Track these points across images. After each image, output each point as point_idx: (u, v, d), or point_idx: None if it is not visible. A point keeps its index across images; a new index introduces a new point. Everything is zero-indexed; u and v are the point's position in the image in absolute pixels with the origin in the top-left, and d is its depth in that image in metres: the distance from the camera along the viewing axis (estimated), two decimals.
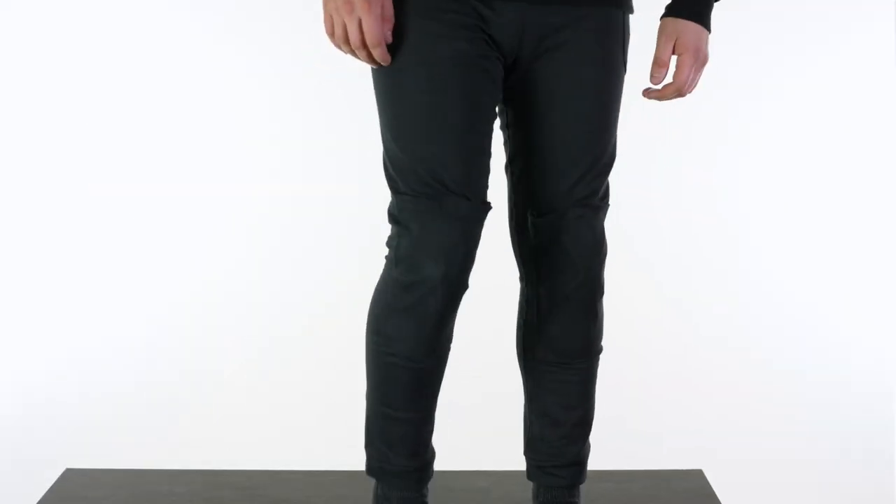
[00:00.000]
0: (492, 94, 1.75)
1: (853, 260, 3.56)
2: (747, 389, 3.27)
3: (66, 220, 3.51)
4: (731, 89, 3.56)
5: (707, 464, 2.47)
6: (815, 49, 3.61)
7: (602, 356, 1.98)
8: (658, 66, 1.80)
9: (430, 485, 1.93)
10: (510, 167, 1.87)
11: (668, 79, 1.82)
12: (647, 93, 1.82)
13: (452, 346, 1.85)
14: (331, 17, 1.68)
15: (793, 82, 3.60)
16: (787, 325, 3.45)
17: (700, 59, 1.80)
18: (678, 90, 1.80)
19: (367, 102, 1.83)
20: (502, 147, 1.89)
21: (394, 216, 1.78)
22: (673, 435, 3.06)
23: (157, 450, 2.90)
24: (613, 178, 1.89)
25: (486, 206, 1.77)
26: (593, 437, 2.01)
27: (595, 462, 2.06)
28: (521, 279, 1.94)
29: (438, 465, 1.96)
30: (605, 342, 1.97)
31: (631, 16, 1.86)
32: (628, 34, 1.84)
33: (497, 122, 1.84)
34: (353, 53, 1.70)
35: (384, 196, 1.81)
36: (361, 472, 1.94)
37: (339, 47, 1.71)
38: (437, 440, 1.92)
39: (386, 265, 1.81)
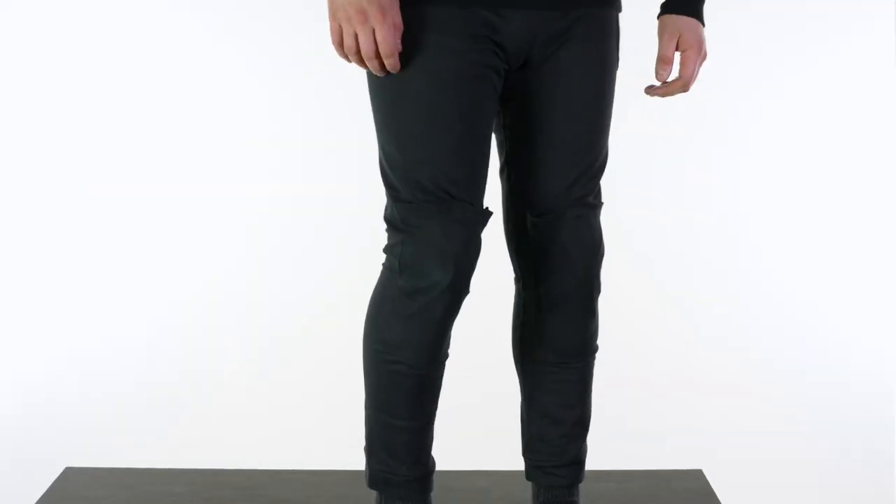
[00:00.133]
0: (493, 100, 1.75)
1: (853, 260, 3.56)
2: (747, 389, 3.27)
3: (66, 220, 3.51)
4: (731, 89, 3.56)
5: (707, 464, 2.47)
6: (815, 49, 3.61)
7: (602, 356, 1.98)
8: (665, 63, 1.83)
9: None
10: (506, 168, 1.87)
11: (671, 75, 1.84)
12: (652, 90, 1.84)
13: (453, 346, 1.85)
14: (340, 27, 1.65)
15: (793, 82, 3.60)
16: (787, 325, 3.45)
17: (702, 54, 1.83)
18: (684, 86, 1.83)
19: (367, 103, 1.83)
20: (496, 149, 1.89)
21: (395, 224, 1.77)
22: (673, 434, 3.06)
23: (157, 450, 2.90)
24: (614, 178, 1.90)
25: (488, 212, 1.78)
26: (593, 437, 2.01)
27: (595, 462, 2.06)
28: (518, 281, 1.94)
29: (439, 465, 1.96)
30: (606, 342, 1.97)
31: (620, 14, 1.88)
32: (619, 33, 1.87)
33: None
34: (361, 63, 1.68)
35: (384, 197, 1.81)
36: (362, 471, 1.93)
37: (347, 58, 1.68)
38: (437, 440, 1.92)
39: (385, 274, 1.80)
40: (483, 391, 2.99)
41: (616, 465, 2.43)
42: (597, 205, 1.88)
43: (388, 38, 1.64)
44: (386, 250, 1.81)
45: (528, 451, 1.99)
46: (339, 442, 2.30)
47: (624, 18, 1.91)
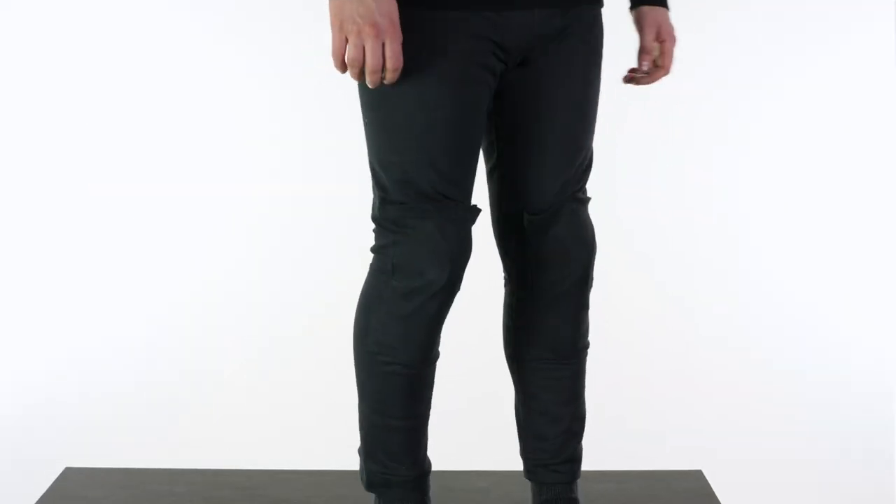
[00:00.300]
0: (487, 100, 1.76)
1: (853, 260, 3.56)
2: (747, 389, 3.27)
3: (66, 220, 3.51)
4: (731, 89, 3.56)
5: (707, 464, 2.47)
6: (815, 49, 3.61)
7: (602, 356, 1.99)
8: (648, 54, 1.88)
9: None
10: (498, 168, 1.86)
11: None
12: (637, 81, 1.89)
13: (452, 347, 1.85)
14: (345, 39, 1.61)
15: (793, 82, 3.60)
16: (787, 325, 3.45)
17: (675, 42, 1.90)
18: (667, 73, 1.90)
19: None
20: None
21: (385, 224, 1.76)
22: (673, 434, 3.06)
23: (157, 450, 2.90)
24: (614, 178, 1.90)
25: (477, 209, 1.78)
26: (594, 437, 2.01)
27: (595, 462, 2.06)
28: (510, 279, 1.93)
29: (438, 466, 1.96)
30: (606, 342, 1.98)
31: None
32: (603, 27, 1.90)
33: None
34: (360, 76, 1.63)
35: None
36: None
37: (343, 70, 1.63)
38: (436, 440, 1.93)
39: (376, 276, 1.79)
40: (482, 391, 2.99)
41: (616, 466, 2.43)
42: (586, 200, 1.90)
43: (398, 53, 1.61)
44: (375, 251, 1.80)
45: (527, 449, 1.99)
46: (339, 442, 2.30)
47: (624, 19, 1.91)
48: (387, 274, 1.77)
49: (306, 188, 3.51)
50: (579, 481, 1.99)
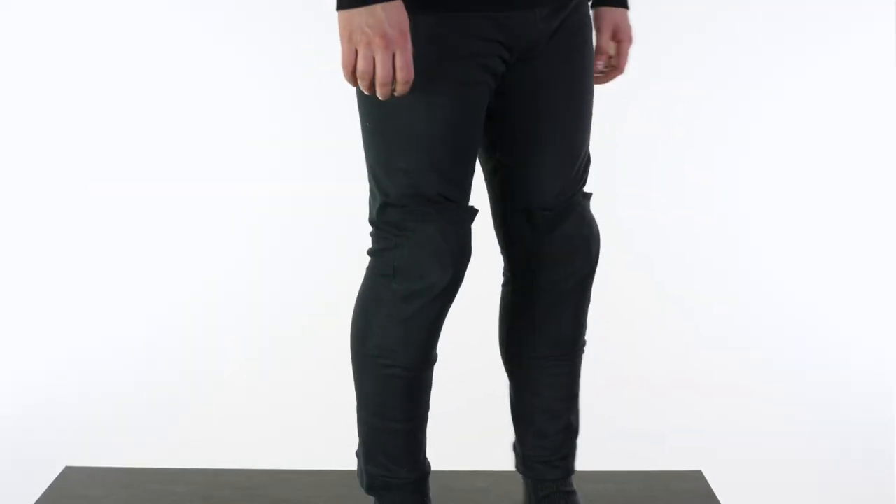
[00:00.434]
0: (486, 100, 1.75)
1: (853, 260, 3.56)
2: (747, 389, 3.27)
3: (66, 220, 3.51)
4: (731, 89, 3.56)
5: (707, 464, 2.47)
6: (815, 49, 3.61)
7: (602, 356, 1.99)
8: (603, 54, 1.90)
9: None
10: (501, 169, 1.84)
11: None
12: (594, 81, 1.88)
13: (452, 347, 1.85)
14: (355, 51, 1.57)
15: (793, 82, 3.60)
16: (787, 325, 3.45)
17: (632, 42, 1.92)
18: (621, 74, 1.93)
19: None
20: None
21: (384, 228, 1.75)
22: (672, 435, 3.06)
23: (157, 450, 2.90)
24: (614, 178, 1.90)
25: (475, 210, 1.78)
26: (593, 437, 2.01)
27: (594, 463, 2.06)
28: (514, 278, 1.93)
29: (438, 466, 1.96)
30: (606, 342, 1.98)
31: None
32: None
33: None
34: (370, 88, 1.59)
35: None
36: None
37: (356, 82, 1.60)
38: (435, 441, 1.93)
39: (375, 279, 1.78)
40: (482, 392, 2.97)
41: (615, 466, 2.43)
42: (589, 195, 1.90)
43: (409, 64, 1.58)
44: (373, 254, 1.79)
45: (527, 446, 1.99)
46: (339, 442, 2.29)
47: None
48: (387, 277, 1.76)
49: (306, 188, 3.51)
50: (574, 477, 2.00)
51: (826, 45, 3.60)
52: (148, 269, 3.48)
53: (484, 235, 1.90)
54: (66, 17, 3.50)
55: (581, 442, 2.00)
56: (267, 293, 3.46)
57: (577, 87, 1.81)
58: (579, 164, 1.85)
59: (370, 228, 1.79)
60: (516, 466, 2.04)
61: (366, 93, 1.61)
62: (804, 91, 3.59)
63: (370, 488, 1.90)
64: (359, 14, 1.56)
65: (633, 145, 3.51)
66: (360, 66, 1.57)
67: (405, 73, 1.58)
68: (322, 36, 1.69)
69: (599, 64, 1.89)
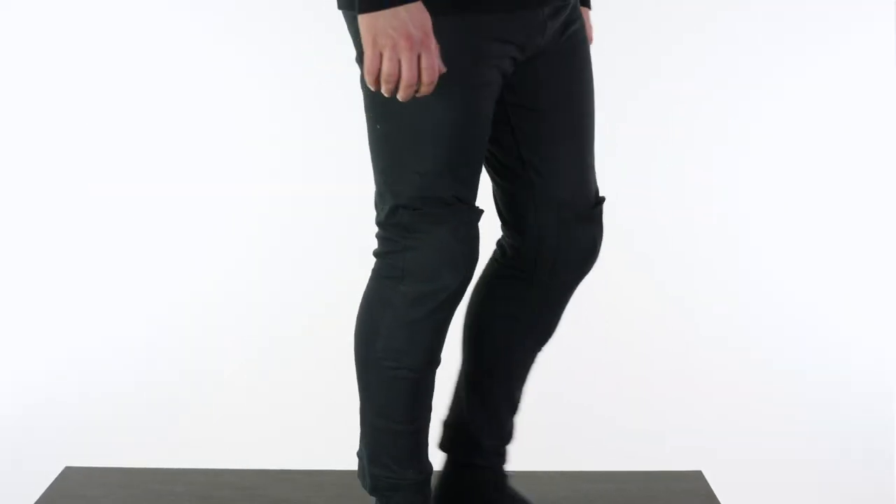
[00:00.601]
0: (494, 100, 1.73)
1: (853, 260, 3.56)
2: (747, 389, 3.27)
3: (66, 220, 3.51)
4: (731, 89, 3.56)
5: (707, 464, 2.46)
6: (815, 49, 3.61)
7: (602, 356, 1.99)
8: None
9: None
10: (526, 169, 1.81)
11: None
12: None
13: (452, 348, 1.85)
14: (380, 55, 1.54)
15: (793, 82, 3.60)
16: (787, 325, 3.45)
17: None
18: None
19: None
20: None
21: (393, 231, 1.73)
22: (672, 435, 3.06)
23: (157, 450, 2.89)
24: (614, 178, 1.89)
25: (481, 210, 1.77)
26: (593, 437, 2.01)
27: (593, 463, 2.06)
28: (522, 275, 1.90)
29: (438, 466, 1.96)
30: (606, 342, 1.98)
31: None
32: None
33: None
34: (393, 91, 1.56)
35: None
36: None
37: (380, 87, 1.56)
38: (435, 441, 1.92)
39: (382, 281, 1.77)
40: None
41: (615, 466, 2.43)
42: (603, 199, 1.90)
43: (434, 65, 1.55)
44: (380, 256, 1.77)
45: (486, 435, 1.97)
46: (339, 442, 2.29)
47: (623, 19, 1.91)
48: (394, 279, 1.74)
49: (306, 188, 3.51)
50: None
51: (826, 45, 3.60)
52: (148, 269, 3.48)
53: (484, 236, 1.90)
54: (65, 17, 3.50)
55: (581, 442, 2.00)
56: (267, 293, 3.46)
57: (585, 82, 1.81)
58: (593, 159, 1.85)
59: (376, 230, 1.77)
60: (441, 444, 2.01)
61: (386, 95, 1.58)
62: (804, 91, 3.59)
63: (374, 490, 1.89)
64: (382, 17, 1.54)
65: (633, 145, 3.51)
66: (386, 68, 1.54)
67: (430, 73, 1.56)
68: (322, 36, 1.69)
69: None
